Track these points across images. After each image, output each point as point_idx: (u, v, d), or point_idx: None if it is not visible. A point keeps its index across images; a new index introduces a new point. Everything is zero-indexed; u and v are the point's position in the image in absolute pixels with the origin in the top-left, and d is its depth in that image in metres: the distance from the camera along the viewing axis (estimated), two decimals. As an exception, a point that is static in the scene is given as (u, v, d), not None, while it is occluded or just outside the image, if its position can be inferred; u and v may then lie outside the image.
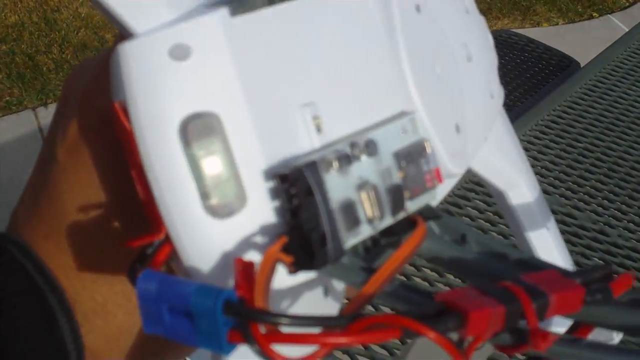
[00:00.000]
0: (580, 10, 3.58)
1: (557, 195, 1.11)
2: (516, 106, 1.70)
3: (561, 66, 1.85)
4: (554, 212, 0.52)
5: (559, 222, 0.87)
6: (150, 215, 0.29)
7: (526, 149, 1.18)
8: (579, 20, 3.52)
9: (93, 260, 0.34)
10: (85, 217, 0.34)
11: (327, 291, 0.33)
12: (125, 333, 0.35)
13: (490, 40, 0.44)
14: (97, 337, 0.34)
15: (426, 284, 0.98)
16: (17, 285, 0.33)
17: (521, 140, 0.83)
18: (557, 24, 3.48)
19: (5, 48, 2.92)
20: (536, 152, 1.20)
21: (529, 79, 1.78)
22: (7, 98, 2.70)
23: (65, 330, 0.33)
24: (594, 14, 3.56)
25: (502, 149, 0.46)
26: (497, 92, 0.43)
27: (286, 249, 0.28)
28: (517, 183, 0.48)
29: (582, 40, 3.18)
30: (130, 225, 0.33)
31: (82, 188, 0.34)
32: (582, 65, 1.79)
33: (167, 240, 0.29)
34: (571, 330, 0.31)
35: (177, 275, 0.29)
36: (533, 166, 0.98)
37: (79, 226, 0.34)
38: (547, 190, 1.14)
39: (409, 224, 0.32)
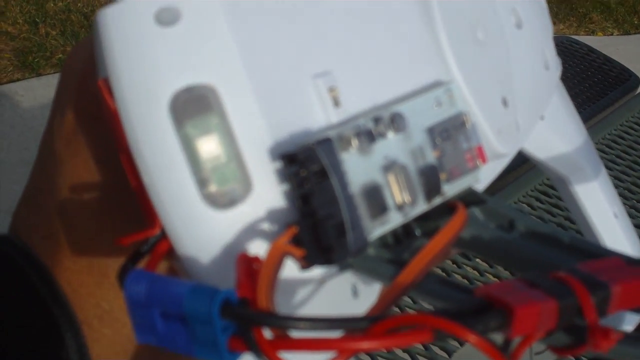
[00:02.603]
0: (636, 22, 3.51)
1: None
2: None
3: (620, 79, 1.80)
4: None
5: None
6: (144, 207, 0.25)
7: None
8: (634, 33, 3.44)
9: (96, 262, 0.31)
10: (84, 215, 0.30)
11: (357, 291, 0.29)
12: (135, 343, 0.31)
13: (544, 5, 0.40)
14: (104, 348, 0.31)
15: (476, 273, 0.92)
16: (19, 295, 0.30)
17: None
18: (612, 34, 3.41)
19: (61, 5, 2.89)
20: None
21: (588, 88, 1.73)
22: (60, 55, 2.66)
23: (71, 346, 0.30)
24: (650, 28, 3.48)
25: (561, 127, 0.42)
26: (553, 63, 0.39)
27: (297, 241, 0.24)
28: (581, 166, 0.43)
29: (636, 53, 3.10)
30: (133, 222, 0.30)
31: (81, 183, 0.30)
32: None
33: (164, 236, 0.25)
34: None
35: (178, 276, 0.26)
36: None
37: (79, 225, 0.31)
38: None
39: (448, 210, 0.28)
